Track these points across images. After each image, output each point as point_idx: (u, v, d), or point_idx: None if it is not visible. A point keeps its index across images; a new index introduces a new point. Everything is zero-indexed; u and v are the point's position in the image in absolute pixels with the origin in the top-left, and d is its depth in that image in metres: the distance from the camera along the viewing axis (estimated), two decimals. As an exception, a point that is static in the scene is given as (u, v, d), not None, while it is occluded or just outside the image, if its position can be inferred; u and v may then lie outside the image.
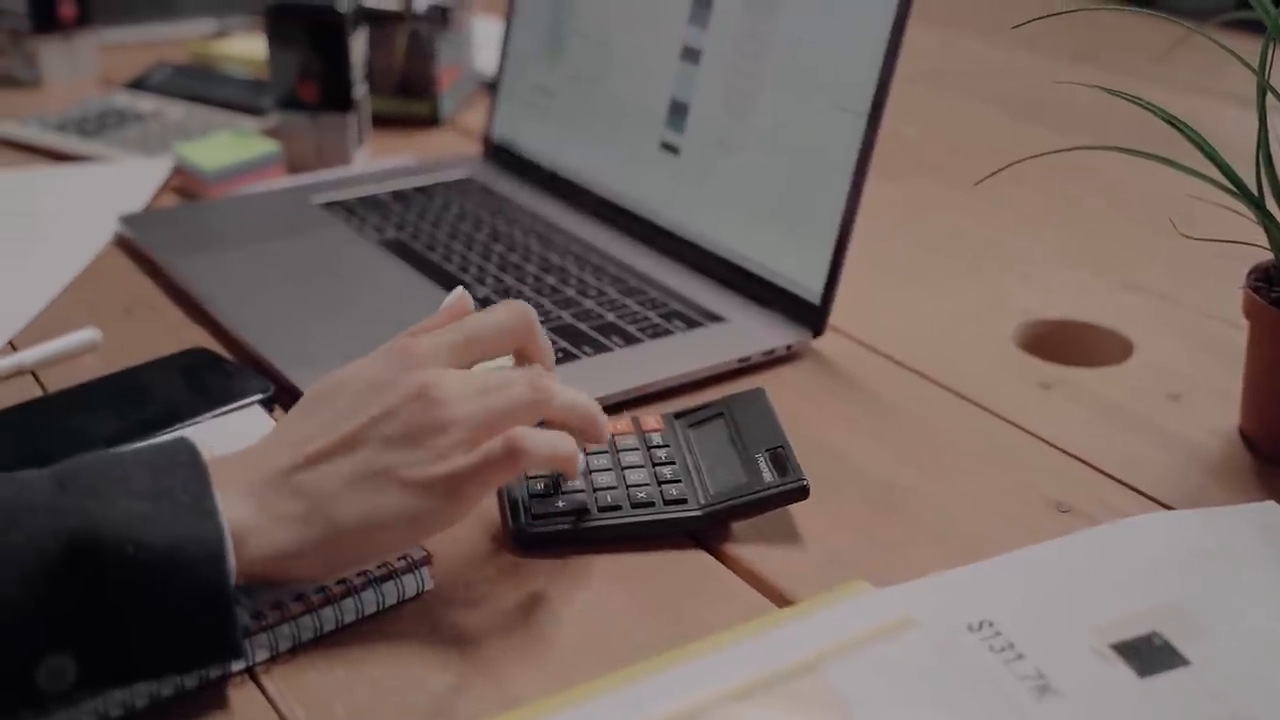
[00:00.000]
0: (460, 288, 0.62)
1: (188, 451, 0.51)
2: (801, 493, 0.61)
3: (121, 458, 0.50)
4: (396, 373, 0.55)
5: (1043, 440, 0.71)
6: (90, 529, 0.46)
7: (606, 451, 0.65)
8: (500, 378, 0.56)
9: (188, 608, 0.48)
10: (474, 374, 0.57)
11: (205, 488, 0.49)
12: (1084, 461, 0.69)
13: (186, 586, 0.47)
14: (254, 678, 0.53)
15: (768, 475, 0.62)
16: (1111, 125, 0.94)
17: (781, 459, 0.63)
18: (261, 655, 0.53)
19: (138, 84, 1.24)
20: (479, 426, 0.54)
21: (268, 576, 0.52)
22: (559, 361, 0.75)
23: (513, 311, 0.59)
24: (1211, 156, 0.65)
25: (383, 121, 1.17)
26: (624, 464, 0.64)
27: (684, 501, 0.62)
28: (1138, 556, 0.58)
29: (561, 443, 0.56)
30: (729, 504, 0.61)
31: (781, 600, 0.58)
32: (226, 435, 0.67)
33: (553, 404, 0.56)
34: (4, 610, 0.45)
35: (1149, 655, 0.52)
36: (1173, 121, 0.64)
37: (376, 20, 1.15)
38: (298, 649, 0.54)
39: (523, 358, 0.61)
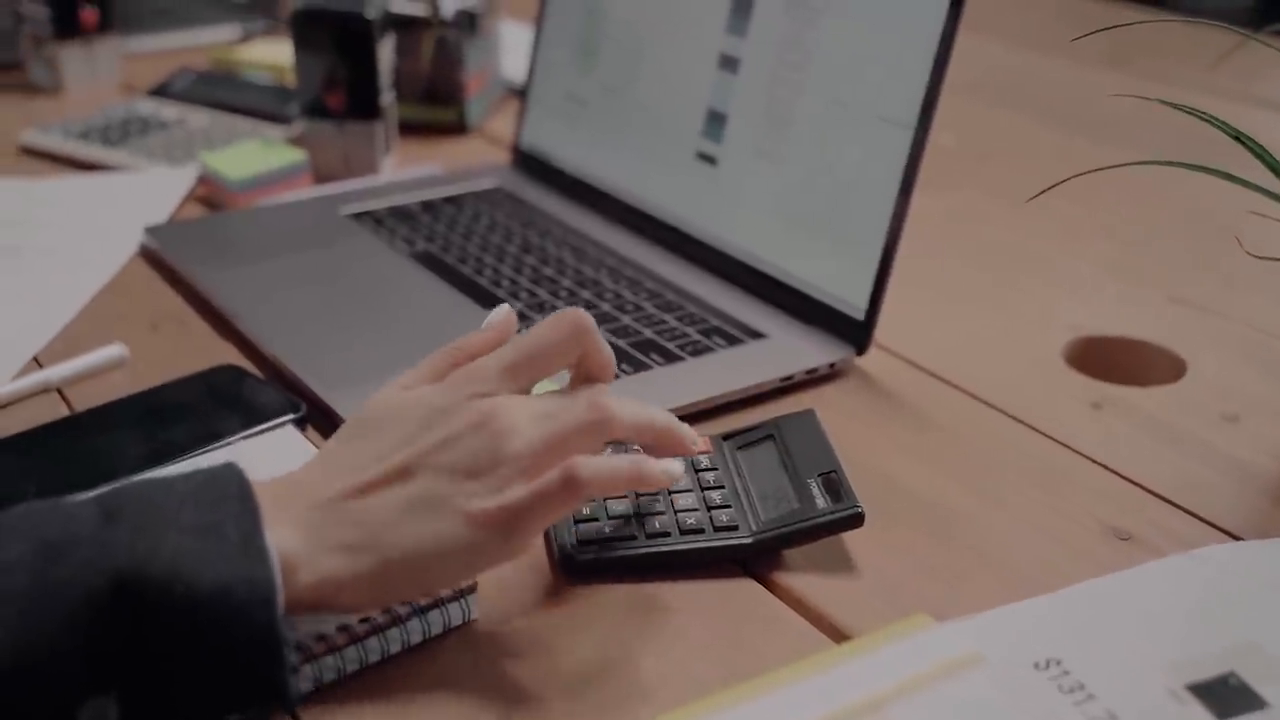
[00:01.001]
0: (505, 305, 0.60)
1: (237, 482, 0.49)
2: (856, 520, 0.59)
3: (170, 486, 0.49)
4: (455, 399, 0.54)
5: (1097, 463, 0.69)
6: (138, 567, 0.45)
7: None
8: (560, 401, 0.54)
9: (236, 651, 0.46)
10: (534, 399, 0.55)
11: (256, 524, 0.47)
12: (1140, 486, 0.67)
13: (236, 629, 0.45)
14: (293, 711, 0.51)
15: (820, 501, 0.60)
16: (1151, 134, 0.92)
17: (834, 484, 0.61)
18: (305, 687, 0.52)
19: (160, 91, 1.23)
20: (538, 455, 0.52)
21: (314, 605, 0.50)
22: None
23: (568, 322, 0.56)
24: (1276, 169, 0.63)
25: (408, 128, 1.15)
26: (672, 488, 0.62)
27: (734, 528, 0.60)
28: (1211, 590, 0.56)
29: (622, 466, 0.53)
30: (781, 531, 0.59)
31: (836, 634, 0.56)
32: (259, 456, 0.65)
33: (616, 424, 0.54)
34: (48, 649, 0.44)
35: (1226, 697, 0.50)
36: (1239, 137, 0.62)
37: (403, 26, 1.13)
38: (340, 681, 0.52)
39: (581, 370, 0.58)
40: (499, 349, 0.56)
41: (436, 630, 0.55)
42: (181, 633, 0.45)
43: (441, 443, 0.52)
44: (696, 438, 0.58)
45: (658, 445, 0.56)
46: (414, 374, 0.57)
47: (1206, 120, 0.64)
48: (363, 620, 0.53)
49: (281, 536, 0.49)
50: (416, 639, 0.54)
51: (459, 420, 0.52)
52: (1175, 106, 0.65)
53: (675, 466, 0.54)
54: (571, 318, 0.56)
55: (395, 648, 0.54)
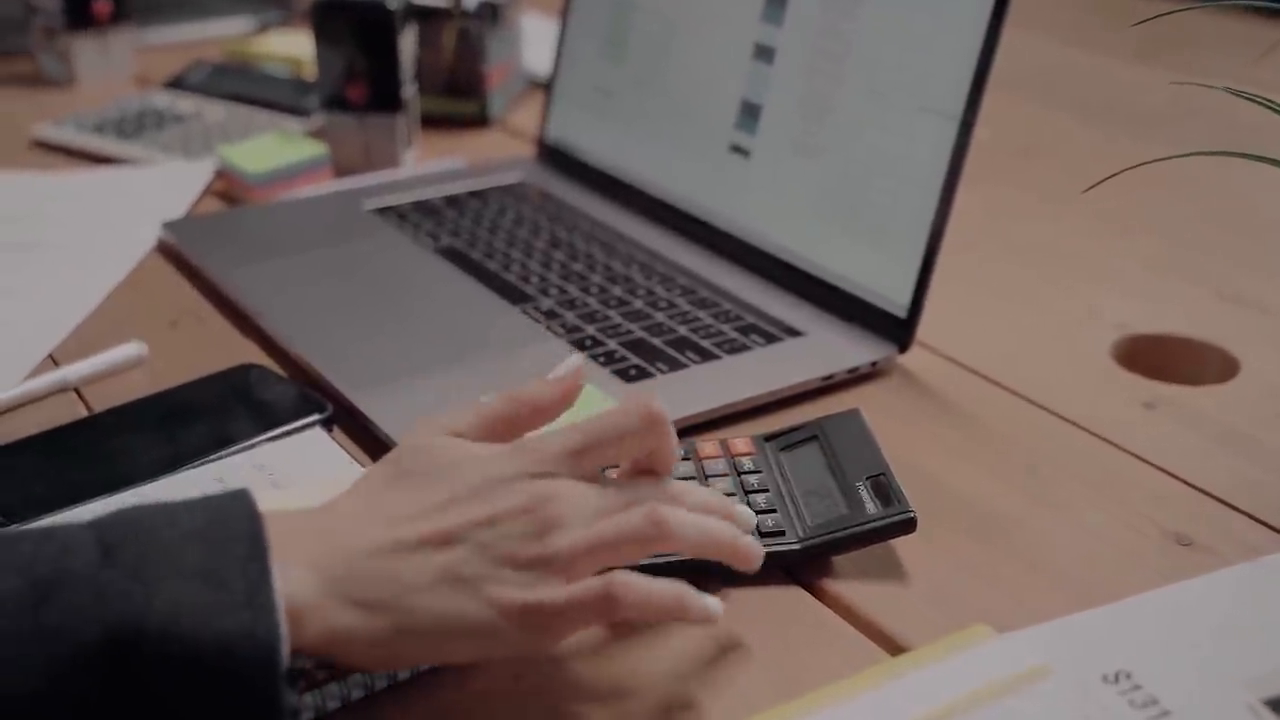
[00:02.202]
0: (578, 356, 0.56)
1: (246, 518, 0.45)
2: (909, 525, 0.57)
3: (174, 518, 0.45)
4: (513, 472, 0.50)
5: (1151, 465, 0.67)
6: (133, 619, 0.41)
7: (694, 477, 0.61)
8: (620, 499, 0.51)
9: (232, 711, 0.42)
10: (592, 491, 0.51)
11: (263, 573, 0.44)
12: (1198, 489, 0.65)
13: (234, 688, 0.42)
14: (328, 730, 0.49)
15: (870, 506, 0.58)
16: (1188, 128, 0.89)
17: (884, 487, 0.58)
18: (332, 705, 0.49)
19: (176, 83, 1.20)
20: (582, 556, 0.48)
21: (319, 654, 0.47)
22: (631, 379, 0.71)
23: (643, 415, 0.52)
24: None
25: (429, 121, 1.13)
26: (714, 493, 0.60)
27: (781, 534, 0.57)
28: (1284, 600, 0.54)
29: (667, 597, 0.49)
30: (830, 537, 0.57)
31: (889, 644, 0.54)
32: (286, 459, 0.63)
33: (672, 540, 0.50)
34: (29, 700, 0.41)
35: (1307, 712, 0.47)
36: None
37: (425, 17, 1.11)
38: (371, 697, 0.50)
39: (644, 460, 0.54)
40: (567, 429, 0.52)
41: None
42: (176, 691, 0.42)
43: (489, 519, 0.48)
44: (760, 553, 0.53)
45: (719, 558, 0.53)
46: (467, 419, 0.53)
47: (1276, 110, 0.61)
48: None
49: (295, 579, 0.45)
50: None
51: (512, 499, 0.49)
52: (1244, 96, 0.62)
53: (716, 608, 0.50)
54: (648, 410, 0.53)
55: (427, 663, 0.51)
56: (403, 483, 0.50)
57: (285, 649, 0.43)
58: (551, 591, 0.47)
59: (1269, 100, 0.60)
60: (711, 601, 0.50)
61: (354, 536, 0.48)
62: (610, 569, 0.49)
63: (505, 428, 0.54)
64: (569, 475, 0.51)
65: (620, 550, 0.49)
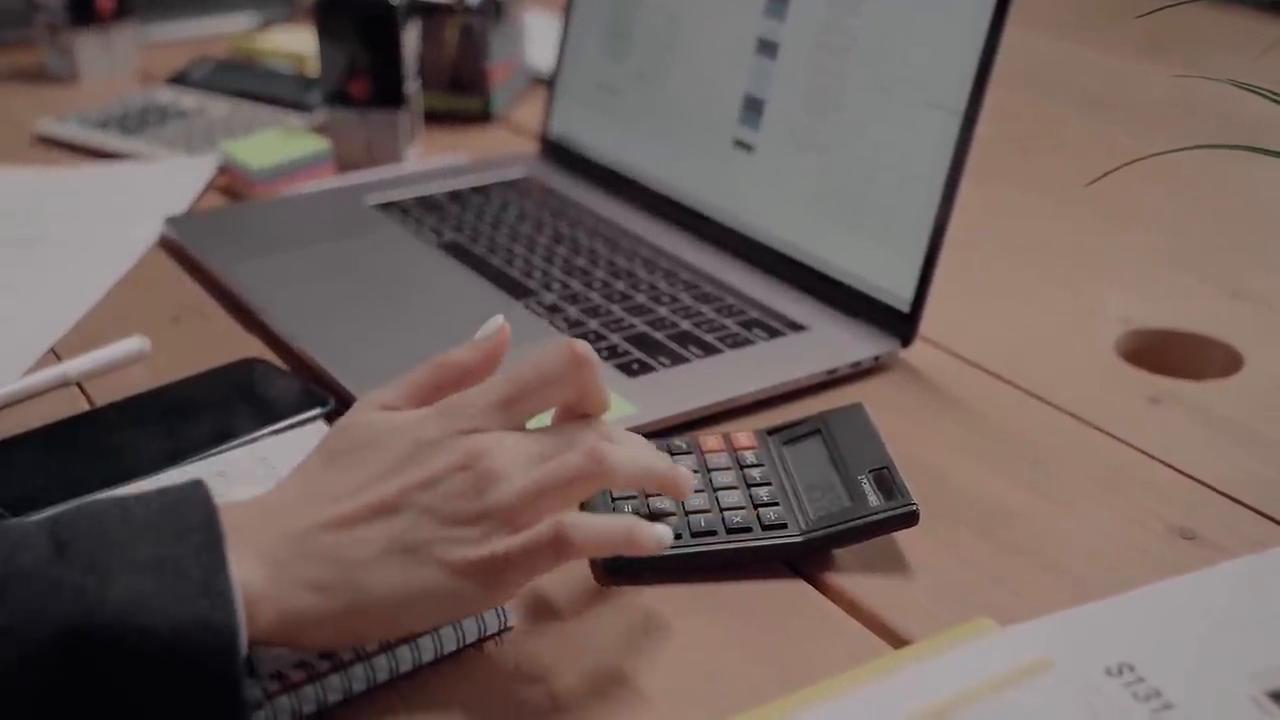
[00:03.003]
0: (499, 317, 0.55)
1: (201, 509, 0.45)
2: (911, 518, 0.57)
3: (127, 513, 0.44)
4: (443, 432, 0.50)
5: (1156, 459, 0.66)
6: (87, 614, 0.41)
7: (698, 471, 0.60)
8: (555, 443, 0.51)
9: (192, 701, 0.42)
10: (526, 437, 0.51)
11: (218, 559, 0.43)
12: (1203, 483, 0.64)
13: (193, 676, 0.42)
14: (328, 723, 0.49)
15: (873, 499, 0.58)
16: (1190, 124, 0.89)
17: (887, 481, 0.58)
18: (334, 698, 0.49)
19: (179, 79, 1.20)
20: (528, 503, 0.48)
21: (277, 643, 0.47)
22: (634, 373, 0.70)
23: (566, 356, 0.52)
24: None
25: (432, 117, 1.12)
26: (717, 485, 0.60)
27: (783, 526, 0.57)
28: (1288, 593, 0.53)
29: (616, 530, 0.49)
30: (832, 530, 0.57)
31: (891, 637, 0.53)
32: (287, 452, 0.63)
33: (613, 476, 0.50)
34: None
35: (1311, 705, 0.47)
36: (1313, 117, 0.59)
37: (428, 13, 1.11)
38: (373, 690, 0.50)
39: (577, 405, 0.54)
40: (492, 381, 0.52)
41: (472, 638, 0.52)
42: (135, 683, 0.42)
43: (426, 481, 0.48)
44: (691, 480, 0.54)
45: (660, 491, 0.54)
46: (395, 391, 0.53)
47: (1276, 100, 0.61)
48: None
49: (246, 569, 0.45)
50: (451, 647, 0.52)
51: (446, 458, 0.49)
52: (1246, 88, 0.62)
53: (666, 534, 0.50)
54: (572, 349, 0.52)
55: (428, 656, 0.51)
56: (337, 462, 0.50)
57: (243, 635, 0.43)
58: (503, 543, 0.47)
59: (1273, 93, 0.60)
60: (660, 529, 0.50)
61: (297, 520, 0.48)
62: None
63: (433, 394, 0.53)
64: (499, 427, 0.50)
65: (563, 491, 0.49)
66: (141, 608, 0.42)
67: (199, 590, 0.42)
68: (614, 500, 0.59)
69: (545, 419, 0.54)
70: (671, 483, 0.53)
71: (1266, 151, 0.61)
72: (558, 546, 0.48)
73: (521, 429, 0.52)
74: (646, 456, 0.52)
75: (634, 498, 0.59)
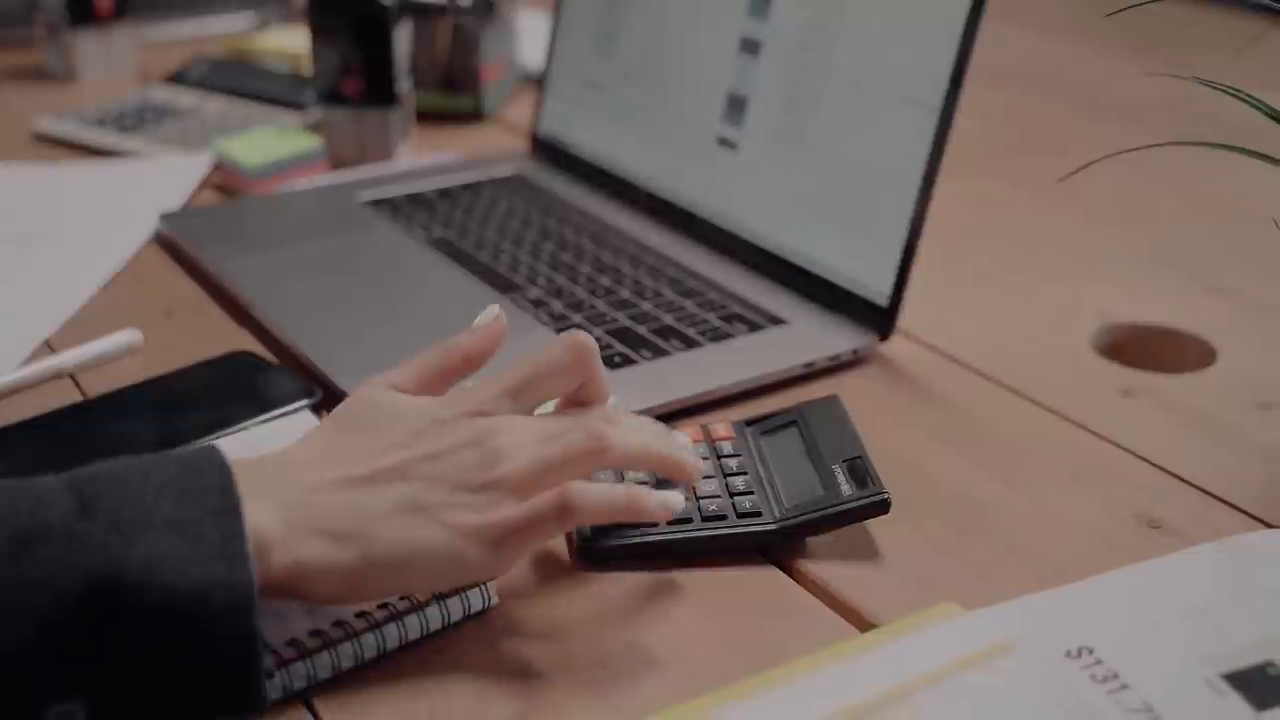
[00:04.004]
0: (495, 306, 0.58)
1: (217, 471, 0.47)
2: (882, 506, 0.58)
3: (148, 472, 0.46)
4: (454, 413, 0.52)
5: (1127, 451, 0.68)
6: (112, 571, 0.43)
7: (674, 462, 0.62)
8: (558, 426, 0.53)
9: (210, 659, 0.44)
10: (533, 421, 0.54)
11: (236, 521, 0.45)
12: (1172, 474, 0.66)
13: (211, 636, 0.44)
14: (308, 701, 0.50)
15: (845, 488, 0.59)
16: (1181, 121, 0.90)
17: (860, 470, 0.60)
18: (324, 674, 0.50)
19: (176, 79, 1.22)
20: (532, 477, 0.51)
21: (286, 590, 0.48)
22: (615, 366, 0.72)
23: (572, 350, 0.55)
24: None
25: (425, 116, 1.14)
26: (693, 475, 0.61)
27: (757, 514, 0.59)
28: (1246, 578, 0.55)
29: (619, 496, 0.53)
30: (805, 518, 0.58)
31: (861, 622, 0.55)
32: (274, 442, 0.64)
33: (613, 454, 0.53)
34: (16, 649, 0.42)
35: (1265, 687, 0.48)
36: (1276, 115, 0.61)
37: (420, 13, 1.12)
38: (359, 667, 0.51)
39: (579, 395, 0.57)
40: (501, 372, 0.55)
41: (456, 616, 0.54)
42: (154, 639, 0.43)
43: (436, 453, 0.51)
44: (700, 466, 0.57)
45: (661, 473, 0.56)
46: (402, 373, 0.55)
47: (1242, 99, 0.62)
48: (380, 606, 0.52)
49: (261, 514, 0.47)
50: (436, 625, 0.53)
51: (455, 435, 0.51)
52: (1211, 85, 0.63)
53: (675, 500, 0.54)
54: (575, 343, 0.55)
55: (415, 634, 0.53)
56: (350, 432, 0.53)
57: (258, 596, 0.45)
58: (509, 509, 0.50)
59: (1236, 90, 0.61)
60: (669, 495, 0.54)
61: (315, 473, 0.50)
62: None
63: (439, 378, 0.56)
64: (508, 413, 0.53)
65: (566, 468, 0.52)
66: (163, 566, 0.43)
67: (217, 552, 0.44)
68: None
69: (550, 409, 0.57)
70: (674, 465, 0.56)
71: (1232, 148, 0.62)
72: (563, 512, 0.50)
73: (529, 414, 0.55)
74: (648, 438, 0.55)
75: (645, 482, 0.60)
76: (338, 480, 0.50)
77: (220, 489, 0.46)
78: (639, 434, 0.55)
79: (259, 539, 0.46)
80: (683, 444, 0.58)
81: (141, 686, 0.44)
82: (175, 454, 0.48)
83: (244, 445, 0.64)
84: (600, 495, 0.52)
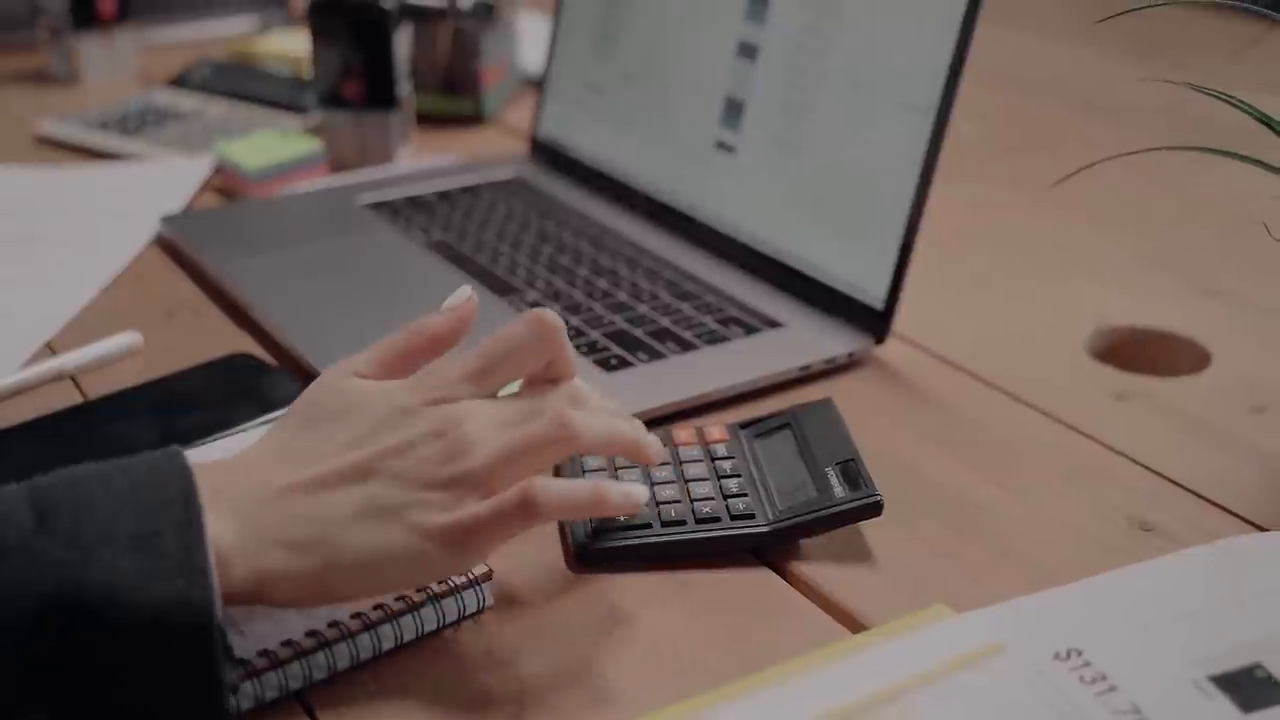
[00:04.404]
0: (466, 287, 0.57)
1: (179, 478, 0.46)
2: (875, 509, 0.58)
3: (108, 483, 0.46)
4: (416, 400, 0.51)
5: (1120, 454, 0.68)
6: (70, 589, 0.43)
7: (669, 463, 0.62)
8: (523, 410, 0.52)
9: (171, 674, 0.44)
10: (498, 405, 0.53)
11: (196, 535, 0.45)
12: (1165, 477, 0.66)
13: (170, 652, 0.44)
14: (303, 701, 0.50)
15: (838, 490, 0.59)
16: (1179, 125, 0.91)
17: (852, 473, 0.60)
18: (319, 675, 0.51)
19: (178, 82, 1.22)
20: (497, 469, 0.50)
21: (250, 600, 0.48)
22: (612, 369, 0.72)
23: (535, 326, 0.54)
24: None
25: (425, 119, 1.14)
26: (688, 476, 0.61)
27: (751, 516, 0.59)
28: (1235, 581, 0.55)
29: (583, 492, 0.51)
30: (798, 520, 0.59)
31: (853, 624, 0.55)
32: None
33: (580, 441, 0.51)
34: None
35: (1252, 689, 0.49)
36: (1268, 121, 0.61)
37: (420, 16, 1.13)
38: (355, 667, 0.52)
39: (547, 373, 0.55)
40: (466, 355, 0.54)
41: (451, 617, 0.54)
42: (114, 655, 0.43)
43: (400, 447, 0.50)
44: (661, 449, 0.56)
45: (626, 456, 0.55)
46: (366, 358, 0.54)
47: (1233, 104, 0.63)
48: (376, 607, 0.52)
49: (220, 527, 0.46)
50: (431, 626, 0.54)
51: (419, 425, 0.50)
52: (1205, 91, 0.63)
53: (639, 492, 0.52)
54: (538, 321, 0.54)
55: (410, 635, 0.53)
56: (311, 427, 0.51)
57: (219, 608, 0.44)
58: (472, 508, 0.49)
59: (1228, 95, 0.62)
60: (633, 488, 0.52)
61: (272, 479, 0.49)
62: None
63: (403, 361, 0.54)
64: (471, 397, 0.52)
65: (531, 457, 0.50)
66: (122, 584, 0.43)
67: (177, 568, 0.44)
68: (584, 472, 0.61)
69: (516, 388, 0.56)
70: (636, 448, 0.54)
71: (1223, 152, 0.63)
72: (526, 509, 0.49)
73: (493, 398, 0.53)
74: (613, 421, 0.54)
75: (603, 470, 0.61)
76: (298, 484, 0.49)
77: (182, 499, 0.45)
78: (605, 418, 0.54)
79: (220, 552, 0.46)
80: (640, 425, 0.56)
81: (104, 700, 0.44)
82: (138, 460, 0.47)
83: (240, 447, 0.65)
84: (564, 491, 0.50)
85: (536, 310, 0.54)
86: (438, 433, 0.50)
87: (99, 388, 0.72)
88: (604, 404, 0.56)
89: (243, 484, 0.49)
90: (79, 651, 0.43)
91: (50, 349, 0.77)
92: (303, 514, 0.48)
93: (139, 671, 0.44)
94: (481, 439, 0.50)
